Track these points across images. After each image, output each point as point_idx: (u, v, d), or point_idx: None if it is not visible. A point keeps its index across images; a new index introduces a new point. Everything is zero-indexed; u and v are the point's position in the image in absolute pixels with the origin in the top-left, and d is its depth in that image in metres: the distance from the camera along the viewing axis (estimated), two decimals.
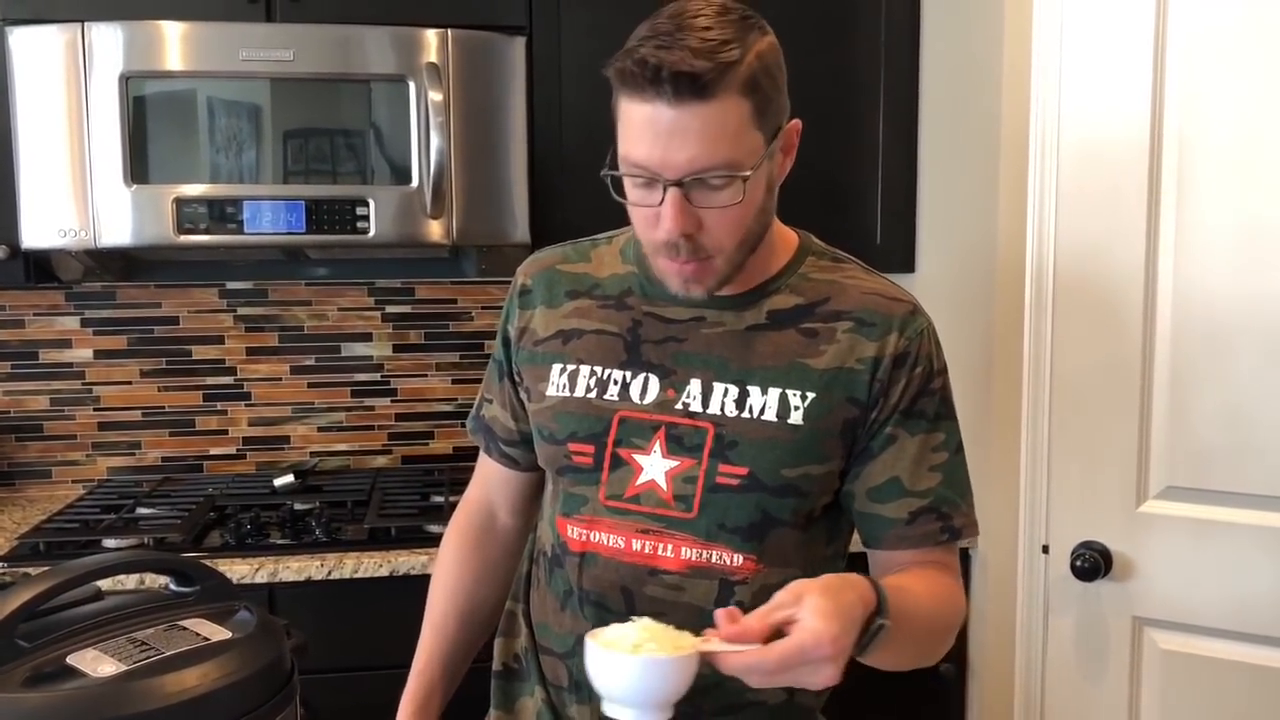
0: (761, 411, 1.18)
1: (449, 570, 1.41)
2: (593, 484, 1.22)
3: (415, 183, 2.07)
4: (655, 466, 1.20)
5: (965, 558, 2.14)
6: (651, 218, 1.12)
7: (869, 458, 1.20)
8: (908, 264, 2.36)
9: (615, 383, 1.23)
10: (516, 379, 1.33)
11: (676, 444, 1.19)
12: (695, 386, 1.20)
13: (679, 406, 1.20)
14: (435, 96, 2.03)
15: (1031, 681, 1.96)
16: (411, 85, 2.05)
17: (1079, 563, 1.84)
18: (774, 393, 1.18)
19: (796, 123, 1.19)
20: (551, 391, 1.26)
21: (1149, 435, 1.79)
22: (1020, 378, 1.93)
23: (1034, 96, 1.87)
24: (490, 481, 1.43)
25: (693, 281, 1.16)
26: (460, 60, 2.07)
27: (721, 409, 1.19)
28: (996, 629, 2.06)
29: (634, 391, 1.22)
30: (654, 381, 1.22)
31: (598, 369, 1.24)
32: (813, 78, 2.29)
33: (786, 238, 1.27)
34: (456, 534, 1.44)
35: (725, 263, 1.16)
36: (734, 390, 1.19)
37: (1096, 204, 1.81)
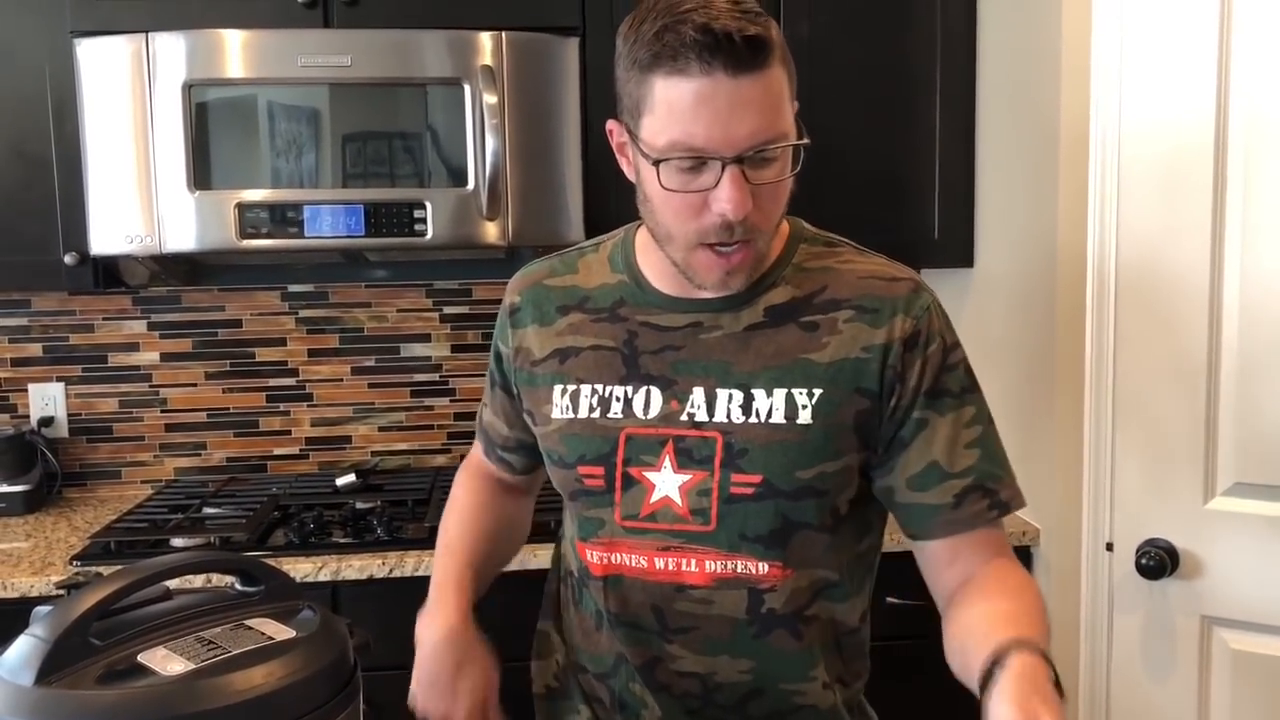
0: (769, 414, 1.14)
1: (464, 499, 1.42)
2: (607, 506, 1.19)
3: (471, 185, 2.08)
4: (667, 482, 1.16)
5: (1027, 555, 2.12)
6: (696, 205, 1.07)
7: (902, 447, 1.15)
8: (967, 259, 2.34)
9: (618, 399, 1.19)
10: (516, 399, 1.31)
11: (686, 457, 1.16)
12: (699, 395, 1.16)
13: (684, 418, 1.16)
14: (490, 99, 2.04)
15: (1097, 682, 1.93)
16: (467, 88, 2.07)
17: (1144, 561, 1.80)
18: (779, 393, 1.14)
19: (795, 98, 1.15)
20: (555, 414, 1.23)
21: (1216, 431, 1.76)
22: (1083, 373, 1.90)
23: (1094, 86, 1.84)
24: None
25: (735, 272, 1.11)
26: (514, 62, 2.08)
27: (728, 416, 1.15)
28: (1060, 628, 2.02)
29: (637, 407, 1.18)
30: (656, 394, 1.17)
31: (598, 386, 1.20)
32: (869, 71, 2.27)
33: (779, 227, 1.21)
34: (466, 476, 1.45)
35: (765, 244, 1.13)
36: (739, 395, 1.15)
37: (1160, 196, 1.78)
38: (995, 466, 1.17)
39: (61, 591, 1.00)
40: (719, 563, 1.16)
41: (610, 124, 1.14)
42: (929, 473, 1.15)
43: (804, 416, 1.14)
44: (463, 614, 1.26)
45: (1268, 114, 1.68)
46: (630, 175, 1.15)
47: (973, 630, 1.06)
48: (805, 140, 1.08)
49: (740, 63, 1.01)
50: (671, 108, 1.03)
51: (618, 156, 1.16)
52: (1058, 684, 0.93)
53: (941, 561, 1.18)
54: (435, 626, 1.26)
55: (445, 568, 1.32)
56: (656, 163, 1.06)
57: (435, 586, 1.30)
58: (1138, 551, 1.82)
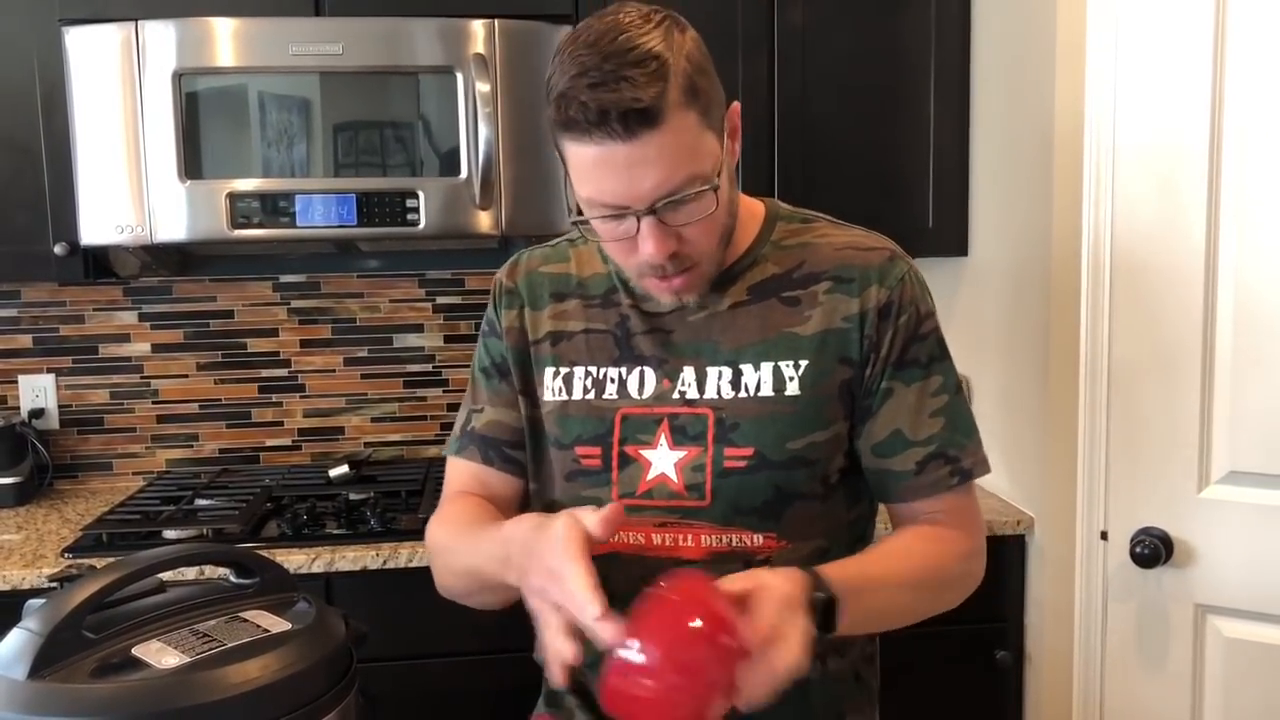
0: (757, 388, 1.18)
1: (454, 512, 1.26)
2: (604, 485, 1.21)
3: (464, 174, 2.07)
4: (663, 459, 1.19)
5: (1021, 544, 2.12)
6: (628, 247, 1.11)
7: (869, 415, 1.20)
8: (961, 248, 2.34)
9: (612, 380, 1.22)
10: (512, 379, 1.28)
11: (681, 434, 1.19)
12: (689, 374, 1.20)
13: (676, 396, 1.20)
14: (483, 87, 2.03)
15: (1090, 670, 1.94)
16: (459, 76, 2.06)
17: (1139, 549, 1.81)
18: (766, 367, 1.18)
19: (735, 105, 1.15)
20: (548, 396, 1.25)
21: (1210, 420, 1.76)
22: (1077, 362, 1.90)
23: (1089, 75, 1.84)
24: (486, 492, 1.31)
25: (685, 290, 1.16)
26: (507, 50, 2.07)
27: (718, 392, 1.18)
28: (1055, 616, 2.03)
29: (631, 387, 1.21)
30: (650, 374, 1.21)
31: (592, 369, 1.23)
32: (863, 61, 2.26)
33: (753, 209, 1.25)
34: (448, 502, 1.30)
35: (710, 263, 1.16)
36: (727, 372, 1.19)
37: (1154, 184, 1.78)
38: (959, 435, 1.21)
39: (54, 584, 0.99)
40: (714, 537, 1.18)
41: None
42: (893, 440, 1.20)
43: (792, 388, 1.17)
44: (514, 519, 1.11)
45: (1264, 102, 1.67)
46: None
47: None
48: (716, 184, 1.08)
49: (629, 130, 1.02)
50: (581, 168, 1.07)
51: None
52: (816, 608, 0.99)
53: (908, 524, 1.24)
54: (509, 546, 1.07)
55: (483, 540, 1.14)
56: (581, 221, 1.10)
57: (489, 551, 1.12)
58: (1132, 540, 1.82)
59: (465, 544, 1.20)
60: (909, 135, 2.30)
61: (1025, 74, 2.07)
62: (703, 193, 1.08)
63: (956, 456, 1.20)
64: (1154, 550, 1.80)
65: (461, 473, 1.33)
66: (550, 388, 1.25)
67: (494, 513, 1.26)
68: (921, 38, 2.28)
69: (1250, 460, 1.74)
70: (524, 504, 1.34)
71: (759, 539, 1.18)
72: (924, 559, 1.20)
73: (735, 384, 1.18)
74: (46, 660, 0.88)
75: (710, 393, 1.18)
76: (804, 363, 1.17)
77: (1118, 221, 1.82)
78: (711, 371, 1.19)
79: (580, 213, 1.11)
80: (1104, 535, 1.89)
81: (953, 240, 2.33)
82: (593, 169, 1.05)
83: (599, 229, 1.11)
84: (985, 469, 1.24)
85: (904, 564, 1.18)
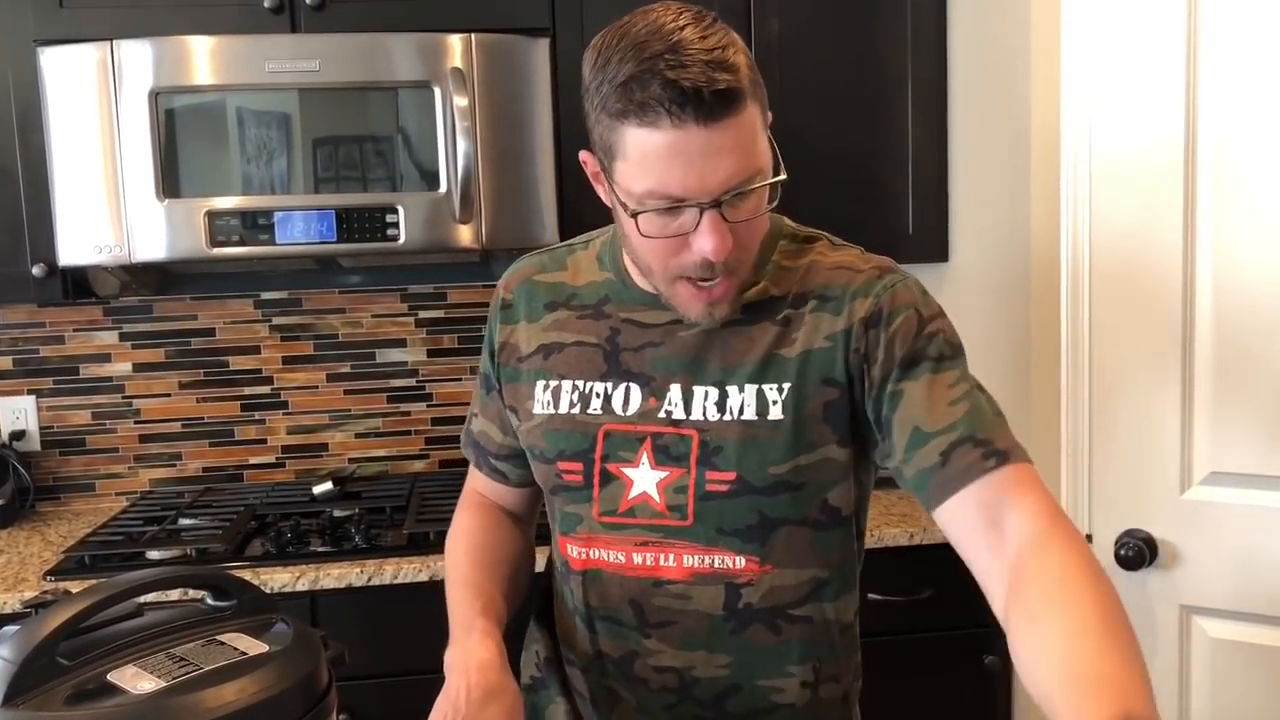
0: (741, 411, 1.14)
1: (467, 536, 1.33)
2: (585, 501, 1.20)
3: (444, 188, 2.07)
4: (645, 479, 1.17)
5: None
6: (676, 246, 1.07)
7: (890, 423, 1.12)
8: (941, 254, 2.34)
9: (598, 396, 1.19)
10: (502, 395, 1.30)
11: (664, 454, 1.16)
12: (676, 393, 1.17)
13: (662, 415, 1.17)
14: (461, 101, 2.03)
15: None
16: (437, 91, 2.06)
17: (1123, 552, 1.81)
18: (750, 390, 1.15)
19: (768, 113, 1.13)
20: (537, 410, 1.23)
21: (1192, 421, 1.76)
22: (1058, 365, 1.90)
23: (1064, 79, 1.85)
24: (485, 493, 1.40)
25: (718, 303, 1.12)
26: (485, 64, 2.07)
27: (704, 414, 1.15)
28: None
29: (616, 403, 1.19)
30: (635, 391, 1.18)
31: (579, 383, 1.21)
32: (840, 68, 2.27)
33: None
34: (465, 513, 1.38)
35: (745, 272, 1.13)
36: (714, 392, 1.16)
37: (1132, 188, 1.78)
38: (984, 420, 1.10)
39: (29, 610, 0.98)
40: (697, 557, 1.17)
41: (583, 155, 1.14)
42: (914, 438, 1.10)
43: (775, 412, 1.14)
44: (494, 645, 1.15)
45: (1238, 105, 1.68)
46: (607, 201, 1.14)
47: (1053, 672, 0.90)
48: (783, 176, 1.07)
49: (712, 114, 1.00)
50: (645, 157, 1.03)
51: (593, 184, 1.15)
52: None
53: (972, 534, 1.06)
54: (467, 656, 1.13)
55: (467, 599, 1.22)
56: (634, 214, 1.06)
57: (460, 618, 1.20)
58: (1116, 542, 1.83)
59: (450, 586, 1.27)
60: (887, 142, 2.30)
61: (1001, 80, 2.08)
62: (762, 188, 1.06)
63: (987, 440, 1.07)
64: (1138, 552, 1.80)
65: (470, 469, 1.40)
66: (540, 400, 1.23)
67: (494, 545, 1.32)
68: (898, 46, 2.28)
69: (1231, 461, 1.74)
70: (530, 503, 1.39)
71: (741, 561, 1.16)
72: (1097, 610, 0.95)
73: (721, 406, 1.15)
74: (20, 689, 0.87)
75: (696, 413, 1.16)
76: (787, 385, 1.14)
77: (1096, 224, 1.83)
78: (698, 391, 1.16)
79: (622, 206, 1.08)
80: (1088, 538, 1.89)
81: (933, 246, 2.33)
82: (663, 157, 1.01)
83: (649, 227, 1.06)
84: (1025, 455, 1.09)
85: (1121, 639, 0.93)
